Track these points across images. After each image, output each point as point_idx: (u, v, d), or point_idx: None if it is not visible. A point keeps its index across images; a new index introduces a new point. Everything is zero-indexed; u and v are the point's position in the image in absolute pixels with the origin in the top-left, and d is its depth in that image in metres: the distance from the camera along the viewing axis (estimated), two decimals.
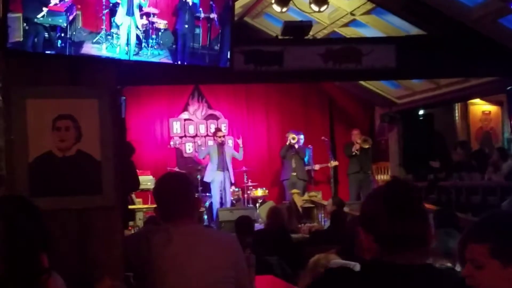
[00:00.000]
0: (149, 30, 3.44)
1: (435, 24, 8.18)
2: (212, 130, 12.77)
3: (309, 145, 12.44)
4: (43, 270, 2.28)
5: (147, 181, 9.95)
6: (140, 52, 3.42)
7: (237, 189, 11.92)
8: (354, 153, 12.25)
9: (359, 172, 12.20)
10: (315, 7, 9.01)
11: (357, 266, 3.80)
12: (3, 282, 2.21)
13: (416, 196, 1.98)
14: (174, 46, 3.51)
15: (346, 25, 10.05)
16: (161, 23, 3.47)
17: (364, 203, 2.05)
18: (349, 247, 5.12)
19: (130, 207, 8.20)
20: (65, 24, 3.13)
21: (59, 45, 3.13)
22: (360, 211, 2.05)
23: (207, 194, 11.56)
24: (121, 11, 3.32)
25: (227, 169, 11.28)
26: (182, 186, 3.03)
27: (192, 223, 3.00)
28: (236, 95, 13.12)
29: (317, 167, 12.48)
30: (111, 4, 3.30)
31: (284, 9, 9.43)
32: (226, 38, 3.68)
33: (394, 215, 1.91)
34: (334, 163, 12.49)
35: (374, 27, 9.61)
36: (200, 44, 3.62)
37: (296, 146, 12.16)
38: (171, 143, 12.52)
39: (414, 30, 8.85)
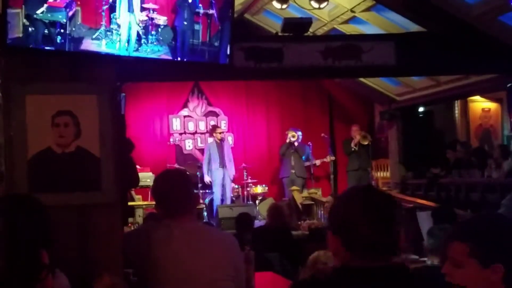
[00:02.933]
0: (148, 26, 3.43)
1: (435, 21, 8.17)
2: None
3: (309, 142, 12.44)
4: (42, 266, 2.28)
5: (146, 177, 9.94)
6: (139, 48, 3.42)
7: (237, 186, 11.92)
8: (353, 149, 12.24)
9: (358, 169, 12.20)
10: (315, 4, 9.00)
11: None
12: (3, 278, 2.20)
13: (388, 203, 1.94)
14: (173, 42, 3.50)
15: (346, 22, 10.04)
16: (161, 19, 3.46)
17: (334, 207, 1.99)
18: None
19: (129, 203, 8.20)
20: (64, 20, 3.12)
21: (58, 41, 3.13)
22: (329, 214, 2.00)
23: (207, 191, 11.57)
24: (122, 7, 3.31)
25: (226, 166, 11.29)
26: (181, 182, 3.02)
27: (192, 219, 3.01)
28: (236, 92, 13.11)
29: (318, 162, 12.48)
30: (110, 0, 3.29)
31: (284, 6, 9.43)
32: (225, 34, 3.67)
33: (365, 222, 1.87)
34: (331, 158, 12.49)
35: (374, 24, 9.61)
36: (200, 40, 3.61)
37: (296, 144, 12.16)
38: (171, 139, 12.52)
39: (414, 27, 8.84)
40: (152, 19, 3.44)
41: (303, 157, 12.29)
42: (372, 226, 1.87)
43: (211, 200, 11.43)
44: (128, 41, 3.35)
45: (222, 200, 11.25)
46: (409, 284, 1.91)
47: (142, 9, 3.40)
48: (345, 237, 1.90)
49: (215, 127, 11.87)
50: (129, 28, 3.34)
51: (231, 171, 11.45)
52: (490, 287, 1.85)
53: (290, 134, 12.14)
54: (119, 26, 3.31)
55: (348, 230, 1.89)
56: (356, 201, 1.92)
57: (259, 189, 12.00)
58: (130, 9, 3.35)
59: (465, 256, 1.88)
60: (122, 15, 3.31)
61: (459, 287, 1.89)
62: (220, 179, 11.30)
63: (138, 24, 3.39)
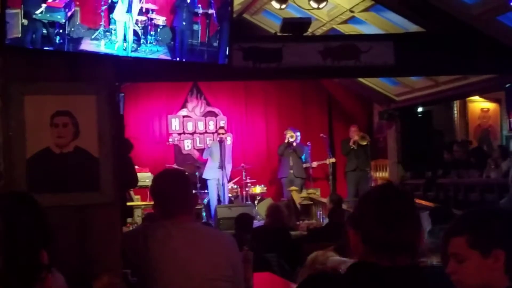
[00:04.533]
0: (147, 27, 3.43)
1: (434, 21, 8.17)
2: (211, 127, 12.78)
3: (308, 143, 12.44)
4: (42, 266, 2.28)
5: (145, 178, 9.94)
6: (138, 48, 3.42)
7: (235, 186, 11.92)
8: (352, 147, 12.24)
9: (356, 169, 12.19)
10: (314, 4, 9.00)
11: None
12: (2, 278, 2.20)
13: (409, 202, 1.99)
14: (172, 42, 3.50)
15: (345, 22, 10.05)
16: (160, 20, 3.47)
17: (358, 202, 2.05)
18: (347, 244, 5.13)
19: (128, 204, 8.19)
20: (63, 20, 3.12)
21: (57, 41, 3.13)
22: (353, 209, 2.06)
23: (206, 191, 11.56)
24: (120, 8, 3.31)
25: (225, 167, 11.29)
26: (180, 182, 3.02)
27: (191, 220, 3.00)
28: (234, 92, 13.11)
29: (315, 164, 12.48)
30: (109, 1, 3.29)
31: (283, 6, 9.43)
32: (224, 34, 3.67)
33: (385, 220, 1.92)
34: (331, 160, 12.50)
35: (373, 24, 9.61)
36: (199, 41, 3.61)
37: (294, 144, 12.16)
38: (170, 140, 12.52)
39: (413, 27, 8.85)
40: (151, 19, 3.45)
41: (302, 157, 12.29)
42: (387, 225, 1.91)
43: (209, 201, 11.44)
44: (125, 41, 3.35)
45: (219, 201, 11.25)
46: (419, 285, 1.94)
47: (141, 9, 3.40)
48: (362, 233, 1.96)
49: (220, 128, 11.90)
50: (125, 28, 3.34)
51: (228, 171, 11.45)
52: (493, 276, 1.86)
53: (289, 134, 12.14)
54: (117, 25, 3.31)
55: (365, 226, 1.95)
56: (374, 200, 1.98)
57: (257, 189, 12.00)
58: (129, 9, 3.35)
59: (465, 248, 1.90)
60: (118, 15, 3.31)
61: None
62: (216, 179, 11.30)
63: (137, 24, 3.39)
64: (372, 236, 1.93)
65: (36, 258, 2.27)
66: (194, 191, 9.78)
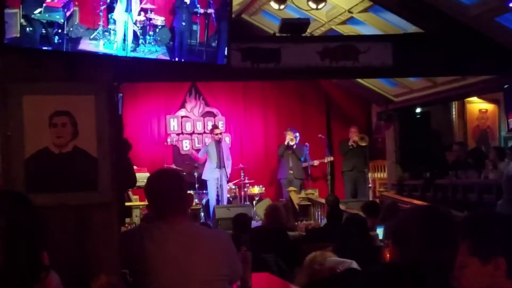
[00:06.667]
0: (146, 27, 3.42)
1: (432, 22, 8.19)
2: (209, 127, 12.77)
3: (306, 143, 12.44)
4: (42, 267, 2.28)
5: (143, 178, 9.85)
6: (137, 48, 3.41)
7: (234, 187, 11.92)
8: (350, 146, 12.25)
9: (353, 170, 12.19)
10: (312, 5, 9.01)
11: (353, 264, 3.84)
12: (2, 278, 2.20)
13: (452, 227, 2.15)
14: (171, 43, 3.50)
15: (343, 22, 10.06)
16: (159, 20, 3.46)
17: (401, 221, 2.27)
18: (345, 244, 5.14)
19: (126, 204, 8.19)
20: (62, 20, 3.11)
21: (56, 41, 3.12)
22: (394, 226, 2.30)
23: (204, 191, 11.56)
24: (119, 7, 3.31)
25: (224, 166, 11.29)
26: (174, 182, 3.01)
27: (186, 220, 2.99)
28: (233, 92, 13.12)
29: (316, 162, 12.50)
30: (108, 1, 3.29)
31: (282, 7, 9.43)
32: (223, 34, 3.67)
33: (426, 241, 2.13)
34: (329, 158, 12.51)
35: (371, 25, 9.62)
36: (198, 41, 3.61)
37: (294, 145, 12.17)
38: (168, 140, 12.52)
39: (411, 28, 8.86)
40: (150, 19, 3.44)
41: (301, 158, 12.30)
42: (427, 246, 2.13)
43: (208, 201, 11.43)
44: (124, 41, 3.35)
45: (218, 201, 11.24)
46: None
47: (140, 9, 3.40)
48: (400, 250, 2.20)
49: (214, 128, 11.88)
50: (125, 28, 3.34)
51: (228, 169, 11.44)
52: (495, 283, 1.85)
53: (289, 137, 12.14)
54: (116, 25, 3.30)
55: (404, 244, 2.19)
56: (415, 220, 2.21)
57: (256, 189, 12.01)
58: (128, 9, 3.34)
59: (466, 255, 1.89)
60: (118, 14, 3.31)
61: None
62: (215, 179, 11.29)
63: (136, 24, 3.39)
64: (411, 254, 2.13)
65: (37, 259, 2.27)
66: (190, 191, 9.81)
